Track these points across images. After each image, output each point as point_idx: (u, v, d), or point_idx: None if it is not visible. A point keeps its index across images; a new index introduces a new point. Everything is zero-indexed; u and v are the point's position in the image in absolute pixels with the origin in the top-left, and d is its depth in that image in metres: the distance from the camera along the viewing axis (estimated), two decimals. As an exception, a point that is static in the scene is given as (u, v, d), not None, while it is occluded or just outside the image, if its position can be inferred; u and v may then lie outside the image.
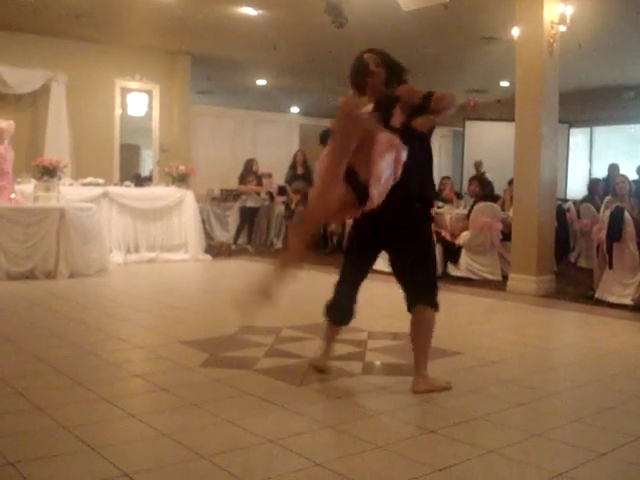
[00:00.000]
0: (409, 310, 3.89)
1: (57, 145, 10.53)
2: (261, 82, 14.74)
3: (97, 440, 3.04)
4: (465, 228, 8.82)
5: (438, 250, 8.85)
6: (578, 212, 10.21)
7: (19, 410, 3.45)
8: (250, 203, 12.41)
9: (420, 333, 3.88)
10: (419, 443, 3.14)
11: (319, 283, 8.70)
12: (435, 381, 3.96)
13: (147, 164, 12.73)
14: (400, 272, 3.93)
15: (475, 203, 9.03)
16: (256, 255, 11.40)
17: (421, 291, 3.87)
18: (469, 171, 13.99)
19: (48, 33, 10.49)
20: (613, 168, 11.66)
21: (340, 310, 4.07)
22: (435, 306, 3.87)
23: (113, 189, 10.04)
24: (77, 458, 2.87)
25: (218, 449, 2.98)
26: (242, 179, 12.51)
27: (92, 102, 11.27)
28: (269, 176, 13.72)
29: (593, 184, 10.97)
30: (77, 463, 2.82)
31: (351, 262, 4.09)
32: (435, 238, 8.65)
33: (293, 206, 12.55)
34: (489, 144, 14.61)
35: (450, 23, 9.39)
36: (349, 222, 11.29)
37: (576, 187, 14.34)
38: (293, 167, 12.80)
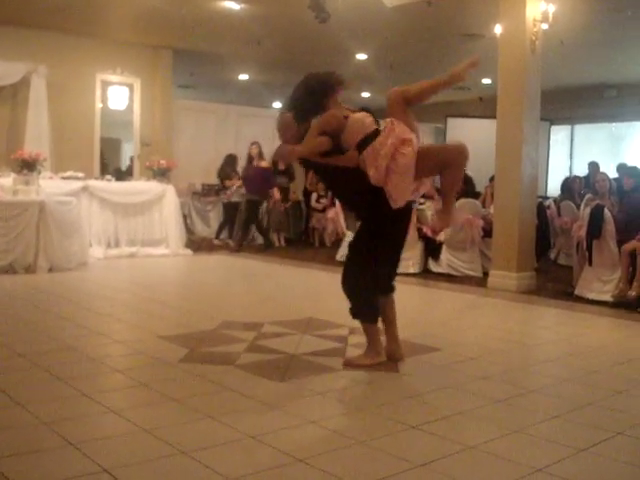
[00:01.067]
0: (390, 293, 4.41)
1: (37, 138, 10.40)
2: (243, 77, 14.69)
3: (77, 436, 3.02)
4: (446, 224, 8.84)
5: (419, 246, 8.90)
6: (558, 209, 10.26)
7: (-2, 405, 3.42)
8: (234, 198, 12.36)
9: (394, 309, 4.45)
10: (400, 439, 3.15)
11: (300, 279, 8.74)
12: None
13: (128, 158, 12.63)
14: (395, 260, 4.42)
15: (456, 199, 9.05)
16: (236, 250, 11.37)
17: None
18: (450, 168, 13.99)
19: (29, 25, 10.35)
20: (593, 166, 11.73)
21: (377, 307, 4.32)
22: None
23: (93, 183, 9.99)
24: (57, 454, 2.85)
25: (199, 445, 2.97)
26: (225, 174, 12.45)
27: (72, 95, 11.15)
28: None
29: (568, 183, 10.99)
30: (57, 459, 2.80)
31: (385, 246, 4.29)
32: (417, 234, 8.73)
33: (271, 205, 12.40)
34: (470, 141, 14.44)
35: (433, 20, 9.41)
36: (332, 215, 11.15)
37: (556, 184, 14.40)
38: (274, 163, 12.74)
